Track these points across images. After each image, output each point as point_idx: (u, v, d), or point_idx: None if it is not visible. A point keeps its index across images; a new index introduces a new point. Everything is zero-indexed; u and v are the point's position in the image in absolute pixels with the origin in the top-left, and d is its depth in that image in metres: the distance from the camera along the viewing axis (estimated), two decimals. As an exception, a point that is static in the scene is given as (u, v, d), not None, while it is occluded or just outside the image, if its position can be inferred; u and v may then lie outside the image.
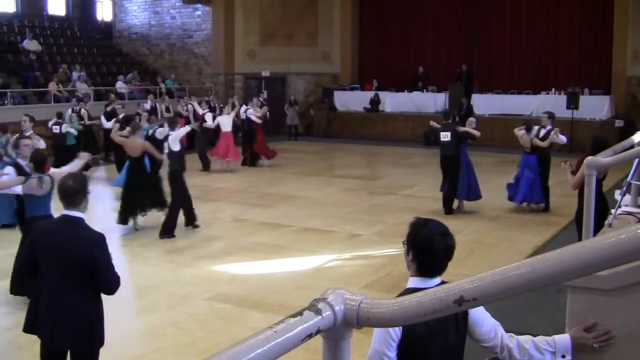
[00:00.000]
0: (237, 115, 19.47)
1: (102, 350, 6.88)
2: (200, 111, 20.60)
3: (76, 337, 4.94)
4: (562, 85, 24.00)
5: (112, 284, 4.93)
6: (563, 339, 2.91)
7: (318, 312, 1.62)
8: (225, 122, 18.42)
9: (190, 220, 11.93)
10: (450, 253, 3.10)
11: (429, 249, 3.06)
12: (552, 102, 23.38)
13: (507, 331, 3.14)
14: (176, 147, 11.65)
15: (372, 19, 29.17)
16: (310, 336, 1.58)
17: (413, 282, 3.12)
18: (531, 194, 13.10)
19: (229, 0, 28.12)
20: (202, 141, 19.07)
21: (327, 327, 1.64)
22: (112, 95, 22.00)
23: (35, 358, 6.73)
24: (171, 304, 8.27)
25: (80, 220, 4.95)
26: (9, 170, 7.76)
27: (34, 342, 7.16)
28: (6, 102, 21.72)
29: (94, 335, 5.01)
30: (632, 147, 6.11)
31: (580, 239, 6.86)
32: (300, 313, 1.60)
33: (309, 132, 27.72)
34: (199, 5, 28.91)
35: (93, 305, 4.99)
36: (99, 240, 4.91)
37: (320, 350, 1.70)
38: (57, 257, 4.83)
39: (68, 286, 4.84)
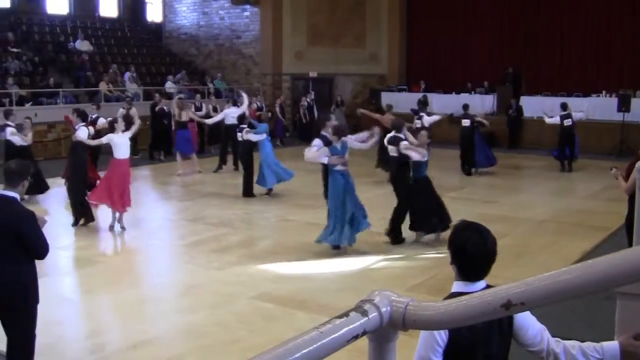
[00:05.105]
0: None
1: (146, 347, 7.01)
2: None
3: (10, 295, 5.57)
4: (613, 87, 23.52)
5: (39, 251, 5.62)
6: (611, 346, 2.86)
7: (364, 313, 1.62)
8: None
9: None
10: (488, 258, 3.07)
11: (464, 253, 3.06)
12: (603, 104, 23.03)
13: (552, 337, 3.10)
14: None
15: (420, 20, 29.04)
16: (356, 337, 1.58)
17: (457, 286, 3.11)
18: None
19: (277, 1, 28.24)
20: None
21: (373, 329, 1.64)
22: (157, 95, 22.25)
23: (85, 351, 6.88)
24: (215, 303, 8.33)
25: (14, 199, 5.61)
26: None
27: (87, 337, 7.31)
28: (58, 101, 22.17)
29: (27, 294, 5.65)
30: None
31: (630, 245, 6.75)
32: (346, 314, 1.60)
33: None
34: (248, 6, 29.07)
35: (24, 268, 5.63)
36: (28, 216, 5.58)
37: (363, 351, 1.70)
38: None
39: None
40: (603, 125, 22.32)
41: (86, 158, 12.54)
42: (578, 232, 11.86)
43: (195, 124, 20.11)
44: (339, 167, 10.05)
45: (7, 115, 14.45)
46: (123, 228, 11.70)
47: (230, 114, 18.07)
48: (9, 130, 14.07)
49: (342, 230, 10.17)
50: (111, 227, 11.41)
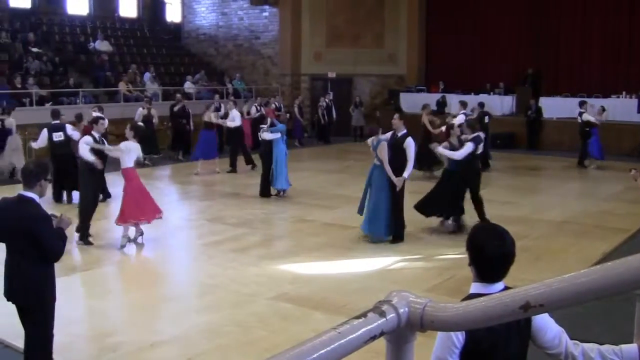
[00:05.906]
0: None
1: (164, 346, 7.04)
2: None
3: (27, 294, 5.67)
4: (633, 88, 23.35)
5: (53, 253, 5.63)
6: (630, 349, 2.85)
7: (382, 314, 1.62)
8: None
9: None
10: (507, 260, 3.04)
11: (482, 254, 3.04)
12: (623, 105, 22.87)
13: (570, 339, 3.08)
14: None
15: (439, 20, 28.93)
16: (373, 338, 1.58)
17: (475, 287, 3.08)
18: None
19: (296, 2, 28.29)
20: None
21: (391, 330, 1.63)
22: (179, 95, 22.39)
23: (102, 350, 6.91)
24: (234, 303, 8.34)
25: (31, 199, 5.62)
26: None
27: (105, 335, 7.35)
28: (78, 101, 22.30)
29: (44, 293, 5.72)
30: None
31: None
32: (364, 314, 1.60)
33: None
34: (266, 7, 29.13)
35: (41, 268, 5.67)
36: (42, 217, 5.58)
37: (380, 352, 1.70)
38: (9, 228, 5.62)
39: (18, 253, 5.64)
40: (623, 126, 22.16)
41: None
42: (597, 234, 11.79)
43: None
44: (375, 161, 11.39)
45: (56, 115, 14.48)
46: (129, 238, 11.27)
47: (237, 117, 18.73)
48: (69, 126, 14.15)
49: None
50: (134, 239, 11.19)
